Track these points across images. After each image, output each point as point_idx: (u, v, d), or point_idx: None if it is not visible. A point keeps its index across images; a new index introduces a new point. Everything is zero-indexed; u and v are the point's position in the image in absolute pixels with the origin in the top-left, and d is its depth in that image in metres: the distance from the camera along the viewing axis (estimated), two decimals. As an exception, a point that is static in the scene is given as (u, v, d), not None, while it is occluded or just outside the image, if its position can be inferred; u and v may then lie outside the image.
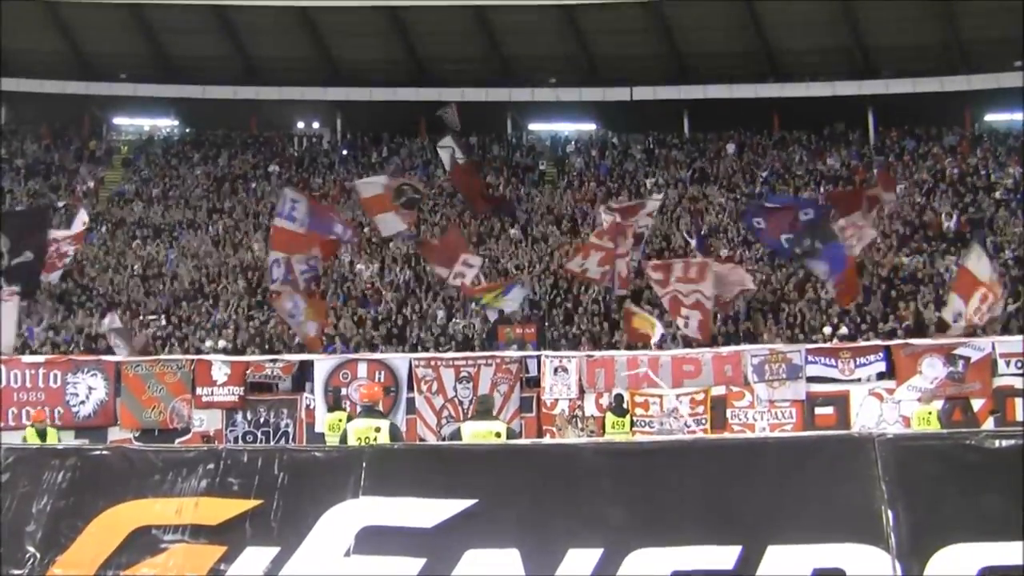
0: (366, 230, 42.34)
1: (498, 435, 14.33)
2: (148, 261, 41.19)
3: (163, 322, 35.76)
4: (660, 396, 27.50)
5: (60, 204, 46.67)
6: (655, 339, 29.64)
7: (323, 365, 28.76)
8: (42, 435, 21.75)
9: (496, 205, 36.98)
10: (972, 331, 26.80)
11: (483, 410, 15.46)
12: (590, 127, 54.66)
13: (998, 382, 26.43)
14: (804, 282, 34.96)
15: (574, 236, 41.05)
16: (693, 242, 36.69)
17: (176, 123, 56.01)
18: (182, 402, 28.38)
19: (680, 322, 27.63)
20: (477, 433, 14.40)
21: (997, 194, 41.82)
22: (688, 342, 29.34)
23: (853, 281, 28.96)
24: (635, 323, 30.31)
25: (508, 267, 38.14)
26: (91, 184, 49.36)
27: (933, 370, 26.37)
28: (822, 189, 43.89)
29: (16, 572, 10.06)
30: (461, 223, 42.12)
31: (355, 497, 10.12)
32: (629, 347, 30.73)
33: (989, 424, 25.15)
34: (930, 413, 23.21)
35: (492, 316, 31.28)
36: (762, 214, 28.01)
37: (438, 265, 30.85)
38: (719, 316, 32.58)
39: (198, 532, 10.19)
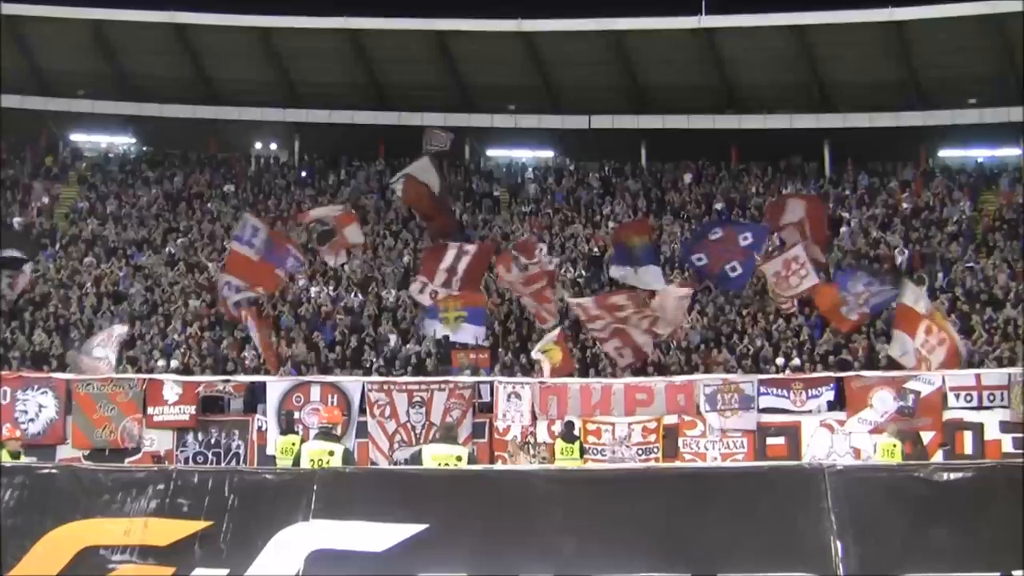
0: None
1: (459, 459, 14.39)
2: (102, 279, 40.90)
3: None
4: (612, 424, 27.50)
5: (13, 219, 46.42)
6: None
7: (276, 388, 28.60)
8: (14, 455, 21.14)
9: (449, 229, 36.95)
10: (927, 366, 26.91)
11: (448, 436, 15.58)
12: (548, 154, 54.79)
13: (948, 415, 26.56)
14: (757, 312, 35.17)
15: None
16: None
17: (133, 141, 55.73)
18: (133, 422, 28.13)
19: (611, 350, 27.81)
20: (438, 456, 14.47)
21: (949, 229, 42.20)
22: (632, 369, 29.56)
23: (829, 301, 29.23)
24: (553, 360, 30.03)
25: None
26: (46, 200, 49.00)
27: (883, 404, 26.47)
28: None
29: (-40, 591, 9.97)
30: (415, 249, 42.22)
31: (306, 520, 10.10)
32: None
33: (938, 457, 25.29)
34: (894, 446, 23.33)
35: (440, 334, 31.03)
36: (702, 249, 28.14)
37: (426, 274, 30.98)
38: (672, 344, 32.85)
39: (147, 553, 10.14)
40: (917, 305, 26.77)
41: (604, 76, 50.70)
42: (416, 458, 15.22)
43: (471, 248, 29.07)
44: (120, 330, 31.78)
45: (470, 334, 30.76)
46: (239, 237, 27.73)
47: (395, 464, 25.94)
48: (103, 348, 30.32)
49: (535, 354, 30.65)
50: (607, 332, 27.88)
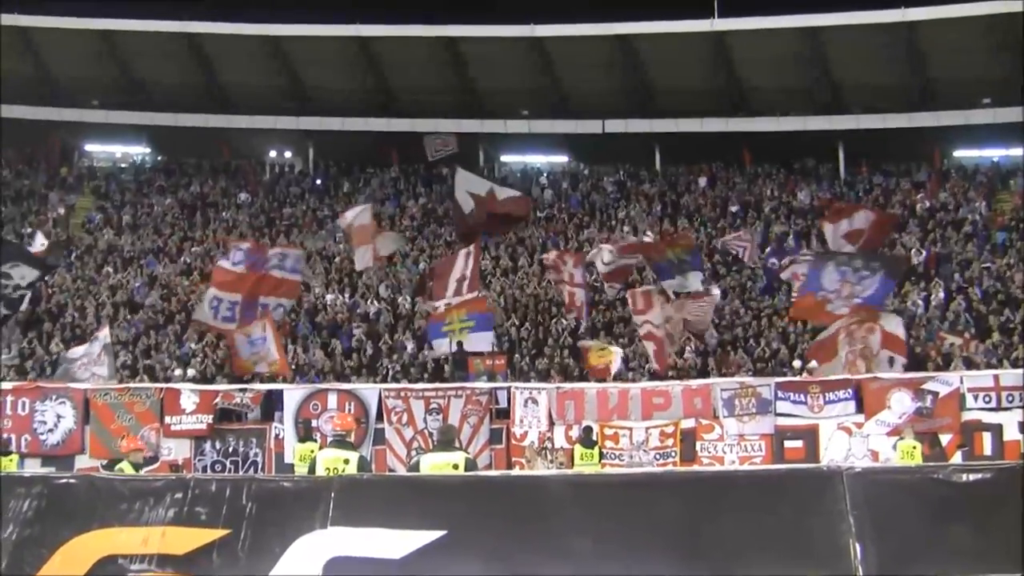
0: (337, 260, 42.39)
1: (456, 467, 14.24)
2: (117, 289, 40.99)
3: (132, 350, 35.63)
4: (630, 428, 27.45)
5: (29, 230, 46.53)
6: (615, 368, 30.24)
7: (293, 395, 28.61)
8: (136, 468, 20.77)
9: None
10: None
11: (444, 441, 15.42)
12: (562, 159, 54.80)
13: (966, 416, 26.47)
14: (773, 315, 35.12)
15: (544, 269, 41.16)
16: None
17: (147, 150, 55.89)
18: (151, 431, 28.16)
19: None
20: (435, 465, 14.32)
21: (965, 230, 42.08)
22: (653, 373, 29.61)
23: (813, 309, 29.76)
24: (592, 360, 30.82)
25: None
26: (61, 211, 49.13)
27: (901, 405, 26.37)
28: (792, 223, 44.10)
29: (-20, 601, 9.98)
30: (431, 256, 42.41)
31: (323, 527, 10.09)
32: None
33: (957, 458, 25.21)
34: (914, 447, 23.29)
35: (451, 349, 31.48)
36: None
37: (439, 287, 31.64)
38: (686, 348, 32.93)
39: (165, 562, 10.14)
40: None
41: (616, 80, 50.70)
42: (415, 469, 15.12)
43: (471, 248, 29.53)
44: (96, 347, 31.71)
45: (484, 341, 31.22)
46: (226, 258, 29.49)
47: (409, 471, 25.93)
48: (89, 367, 30.51)
49: (586, 343, 31.31)
50: (661, 330, 28.55)
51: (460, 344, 31.04)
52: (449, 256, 32.31)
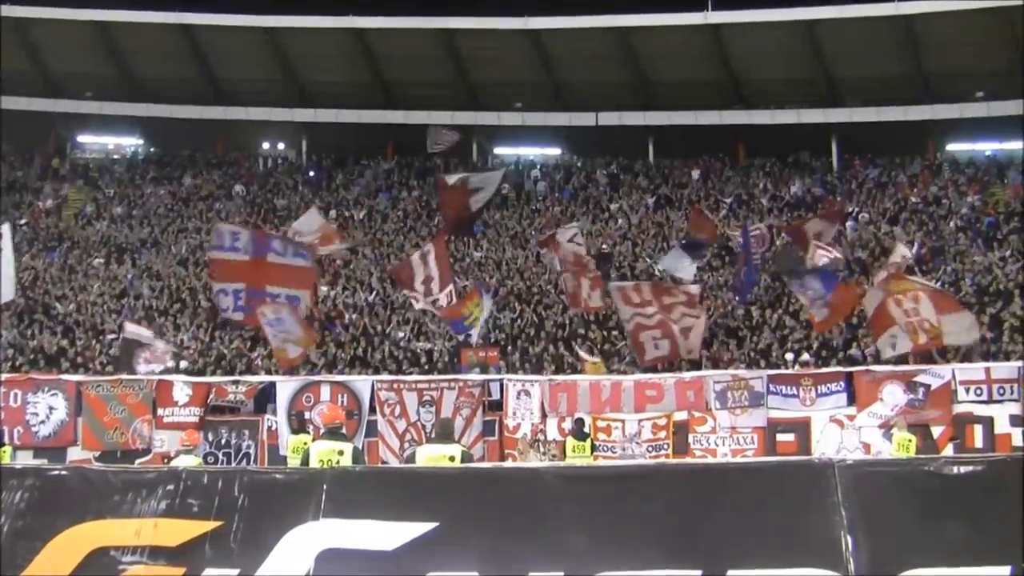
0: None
1: (452, 459, 14.28)
2: (110, 280, 40.92)
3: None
4: (622, 421, 27.48)
5: (22, 222, 46.47)
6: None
7: (286, 388, 28.60)
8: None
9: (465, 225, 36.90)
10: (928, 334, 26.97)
11: (442, 434, 15.46)
12: (555, 152, 54.80)
13: (958, 409, 26.53)
14: (766, 309, 35.11)
15: (538, 261, 41.13)
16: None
17: (141, 142, 55.80)
18: (143, 423, 28.15)
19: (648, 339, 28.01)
20: (431, 456, 14.38)
21: (957, 222, 42.10)
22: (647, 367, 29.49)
23: (844, 306, 29.55)
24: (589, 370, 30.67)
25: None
26: (53, 202, 49.05)
27: (893, 397, 26.43)
28: (785, 216, 44.08)
29: (-29, 593, 9.97)
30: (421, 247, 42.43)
31: (315, 519, 10.07)
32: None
33: (949, 451, 25.27)
34: (910, 440, 23.32)
35: (476, 335, 31.33)
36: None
37: (408, 289, 31.37)
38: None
39: (157, 554, 10.12)
40: (875, 297, 27.27)
41: (611, 73, 50.73)
42: (411, 460, 15.17)
43: (429, 247, 29.20)
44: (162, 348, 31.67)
45: (488, 308, 31.15)
46: (219, 246, 27.80)
47: (405, 463, 25.94)
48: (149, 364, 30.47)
49: (583, 353, 31.29)
50: (653, 320, 28.18)
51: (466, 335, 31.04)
52: (404, 261, 32.00)
